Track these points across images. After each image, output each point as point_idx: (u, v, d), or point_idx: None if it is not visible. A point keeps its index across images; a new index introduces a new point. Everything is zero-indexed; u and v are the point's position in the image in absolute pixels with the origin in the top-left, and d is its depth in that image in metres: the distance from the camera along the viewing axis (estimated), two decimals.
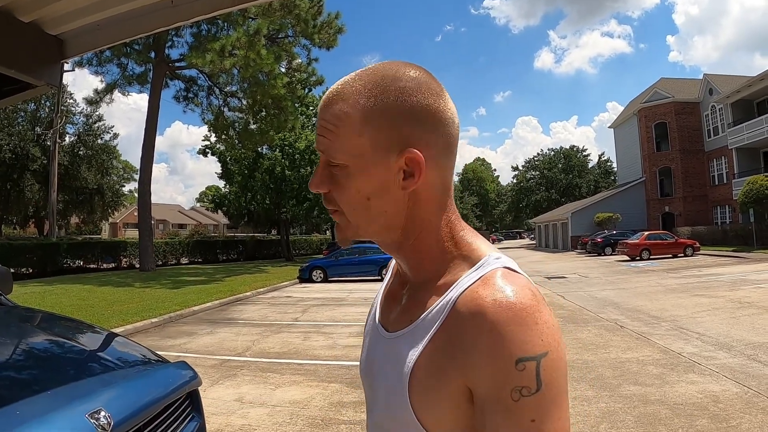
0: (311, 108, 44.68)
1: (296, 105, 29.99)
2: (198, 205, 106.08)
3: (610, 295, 14.28)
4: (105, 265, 29.24)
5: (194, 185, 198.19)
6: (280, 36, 26.01)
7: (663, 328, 9.16)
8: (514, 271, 0.78)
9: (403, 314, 0.86)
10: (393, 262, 1.01)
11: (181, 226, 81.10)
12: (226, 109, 28.39)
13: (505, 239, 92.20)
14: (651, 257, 28.46)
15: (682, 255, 28.82)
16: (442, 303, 0.78)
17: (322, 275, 22.43)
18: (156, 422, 2.18)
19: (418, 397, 0.77)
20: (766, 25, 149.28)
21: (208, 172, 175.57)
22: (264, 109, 26.70)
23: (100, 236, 49.32)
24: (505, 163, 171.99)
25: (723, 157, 38.61)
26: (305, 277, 22.38)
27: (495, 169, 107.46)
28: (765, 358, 6.69)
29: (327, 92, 0.82)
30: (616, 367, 6.63)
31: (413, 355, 0.78)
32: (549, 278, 20.00)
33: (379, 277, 21.90)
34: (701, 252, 29.39)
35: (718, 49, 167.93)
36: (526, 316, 0.70)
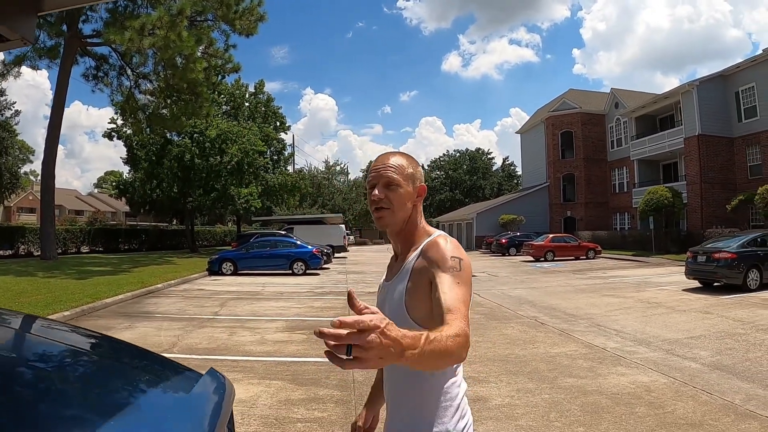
0: (222, 96, 43.56)
1: (209, 91, 29.11)
2: (96, 191, 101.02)
3: (523, 293, 14.81)
4: (1, 252, 27.33)
5: (92, 170, 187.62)
6: (199, 19, 25.14)
7: (582, 325, 9.60)
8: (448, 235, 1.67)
9: (397, 269, 1.71)
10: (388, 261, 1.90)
11: (78, 212, 76.90)
12: (137, 91, 27.09)
13: None
14: (555, 258, 29.73)
15: (585, 257, 30.37)
16: (415, 253, 1.64)
17: (232, 268, 21.82)
18: None
19: (409, 303, 1.59)
20: (669, 46, 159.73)
21: (107, 157, 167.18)
22: (177, 94, 25.65)
23: None
24: None
25: (625, 168, 41.04)
26: (215, 270, 21.70)
27: None
28: (682, 352, 7.18)
29: (388, 153, 1.74)
30: (548, 361, 6.89)
31: (403, 284, 1.62)
32: None
33: (290, 271, 21.65)
34: (602, 255, 31.10)
35: (622, 64, 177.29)
36: (454, 245, 1.59)
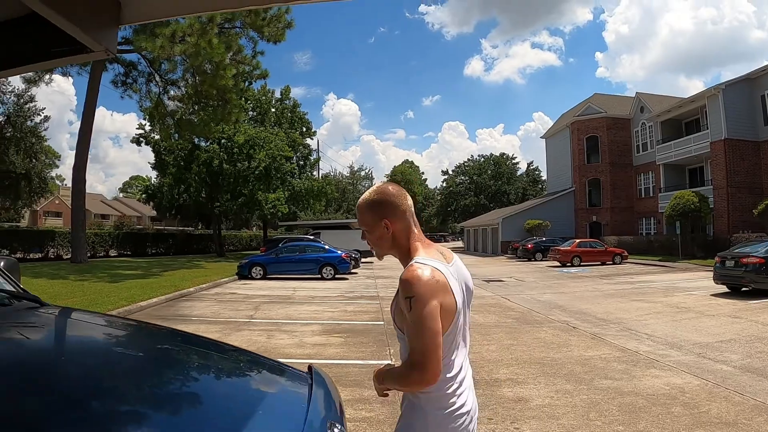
0: (249, 102, 44.09)
1: (238, 98, 29.50)
2: (121, 195, 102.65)
3: (552, 298, 14.92)
4: (31, 256, 27.94)
5: (116, 174, 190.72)
6: (227, 26, 25.59)
7: (613, 329, 9.74)
8: (421, 263, 1.77)
9: None
10: None
11: (104, 216, 78.23)
12: (165, 98, 27.61)
13: None
14: (582, 264, 29.66)
15: (611, 263, 30.25)
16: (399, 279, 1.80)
17: (261, 272, 22.12)
18: None
19: (394, 311, 1.84)
20: (692, 48, 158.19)
21: (131, 162, 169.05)
22: (206, 100, 26.09)
23: (19, 224, 46.77)
24: (431, 166, 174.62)
25: (650, 172, 40.83)
26: (244, 274, 22.05)
27: (423, 172, 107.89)
28: (713, 355, 7.33)
29: (359, 201, 1.95)
30: (583, 363, 7.07)
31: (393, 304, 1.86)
32: (487, 281, 20.47)
33: (320, 276, 21.88)
34: (629, 260, 30.95)
35: (645, 68, 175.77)
36: (409, 281, 1.70)
